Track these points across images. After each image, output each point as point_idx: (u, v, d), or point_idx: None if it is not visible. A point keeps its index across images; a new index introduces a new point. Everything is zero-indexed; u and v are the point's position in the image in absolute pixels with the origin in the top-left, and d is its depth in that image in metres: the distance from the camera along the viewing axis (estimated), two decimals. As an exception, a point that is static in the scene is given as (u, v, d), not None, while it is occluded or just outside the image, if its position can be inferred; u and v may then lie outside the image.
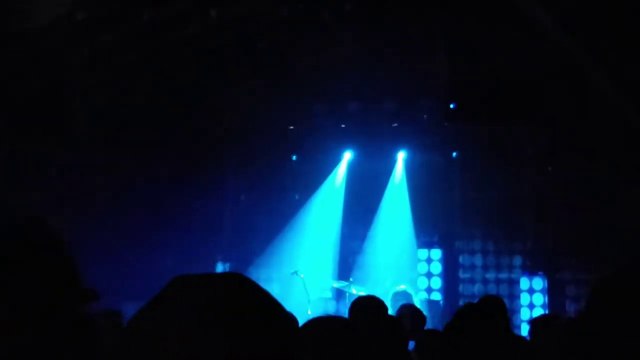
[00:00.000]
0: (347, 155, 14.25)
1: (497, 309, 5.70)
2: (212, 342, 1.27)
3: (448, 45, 11.84)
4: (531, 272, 13.33)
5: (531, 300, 13.11)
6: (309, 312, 11.67)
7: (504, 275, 13.93)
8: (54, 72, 10.26)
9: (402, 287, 12.03)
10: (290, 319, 1.41)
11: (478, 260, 14.08)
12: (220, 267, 13.79)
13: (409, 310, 6.75)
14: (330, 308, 13.50)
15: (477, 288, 13.88)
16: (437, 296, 13.72)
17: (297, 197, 14.42)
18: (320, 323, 3.64)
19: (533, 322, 6.56)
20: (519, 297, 13.20)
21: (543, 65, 11.66)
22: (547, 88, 11.94)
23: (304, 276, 12.55)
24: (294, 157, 14.46)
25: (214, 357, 1.26)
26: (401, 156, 14.16)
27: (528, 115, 12.13)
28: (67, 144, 11.32)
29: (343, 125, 13.96)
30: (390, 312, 7.31)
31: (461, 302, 12.96)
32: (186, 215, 13.48)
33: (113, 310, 5.76)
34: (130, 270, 11.98)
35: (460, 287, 13.98)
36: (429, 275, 13.86)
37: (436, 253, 13.95)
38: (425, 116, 13.64)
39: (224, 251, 13.96)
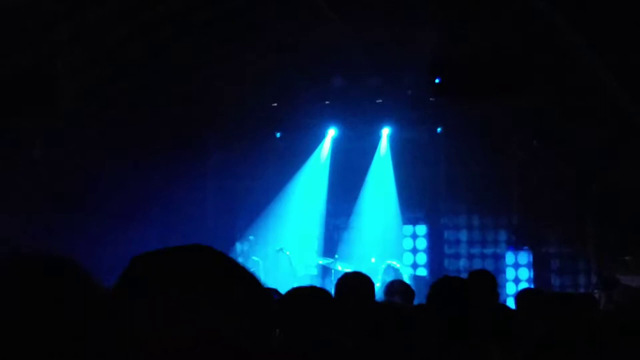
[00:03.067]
0: (332, 132, 14.17)
1: (481, 282, 5.70)
2: (183, 314, 1.25)
3: (432, 20, 11.78)
4: (516, 247, 13.36)
5: (517, 275, 13.17)
6: (295, 289, 11.67)
7: (489, 250, 13.99)
8: (38, 49, 10.15)
9: (394, 263, 12.00)
10: (263, 288, 1.36)
11: (463, 235, 14.13)
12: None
13: (399, 286, 6.74)
14: (316, 285, 13.51)
15: (463, 263, 13.95)
16: (422, 272, 13.75)
17: (281, 174, 14.33)
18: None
19: (519, 296, 6.61)
20: (504, 272, 13.24)
21: (528, 39, 11.62)
22: (532, 62, 11.89)
23: (289, 253, 12.55)
24: (278, 135, 14.37)
25: (185, 329, 1.24)
26: (386, 132, 14.10)
27: (513, 90, 12.09)
28: (51, 124, 11.21)
29: (327, 102, 13.87)
30: (380, 286, 7.29)
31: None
32: (170, 194, 13.39)
33: None
34: (116, 257, 11.88)
35: (446, 262, 14.02)
36: (414, 251, 13.89)
37: (421, 229, 13.97)
38: (409, 92, 13.56)
39: (209, 230, 13.89)
